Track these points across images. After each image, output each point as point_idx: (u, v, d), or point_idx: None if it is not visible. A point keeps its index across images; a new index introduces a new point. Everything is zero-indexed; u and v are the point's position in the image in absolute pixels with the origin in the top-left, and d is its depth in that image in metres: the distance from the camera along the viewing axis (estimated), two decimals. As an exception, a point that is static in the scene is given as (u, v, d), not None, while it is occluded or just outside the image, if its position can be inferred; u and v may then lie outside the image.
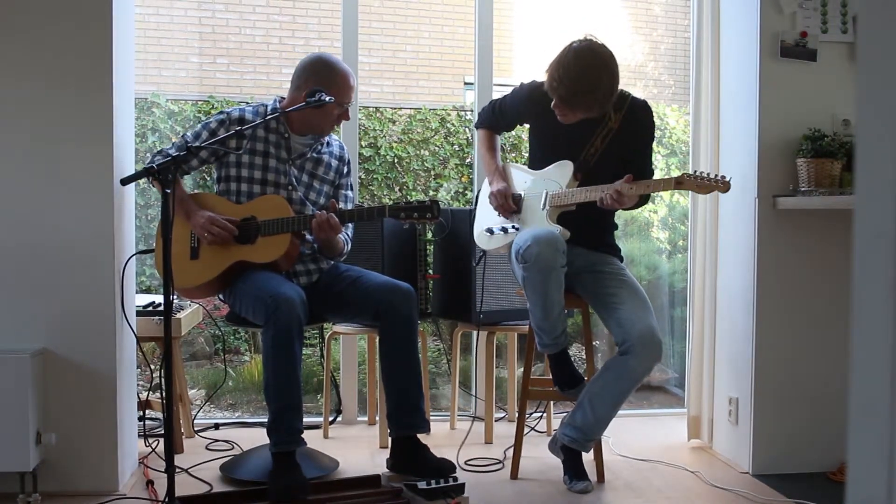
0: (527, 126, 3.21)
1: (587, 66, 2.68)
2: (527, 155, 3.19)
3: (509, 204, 2.96)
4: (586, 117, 2.80)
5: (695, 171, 2.71)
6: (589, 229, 2.94)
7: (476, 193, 3.30)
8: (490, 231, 3.02)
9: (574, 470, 2.89)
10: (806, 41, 3.07)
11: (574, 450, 2.90)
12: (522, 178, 3.03)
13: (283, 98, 3.01)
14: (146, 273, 4.58)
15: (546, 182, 2.93)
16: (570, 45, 2.75)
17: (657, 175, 3.58)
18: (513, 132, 4.79)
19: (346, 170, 3.13)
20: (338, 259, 3.06)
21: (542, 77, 2.85)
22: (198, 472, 3.00)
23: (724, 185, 2.64)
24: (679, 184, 2.68)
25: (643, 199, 2.88)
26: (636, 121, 2.91)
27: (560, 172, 2.90)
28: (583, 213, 2.87)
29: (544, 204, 2.89)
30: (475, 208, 3.19)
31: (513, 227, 2.96)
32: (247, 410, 4.51)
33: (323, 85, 2.86)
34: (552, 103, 2.80)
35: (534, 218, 2.91)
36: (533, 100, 2.96)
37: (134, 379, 3.08)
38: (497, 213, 3.01)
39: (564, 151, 2.91)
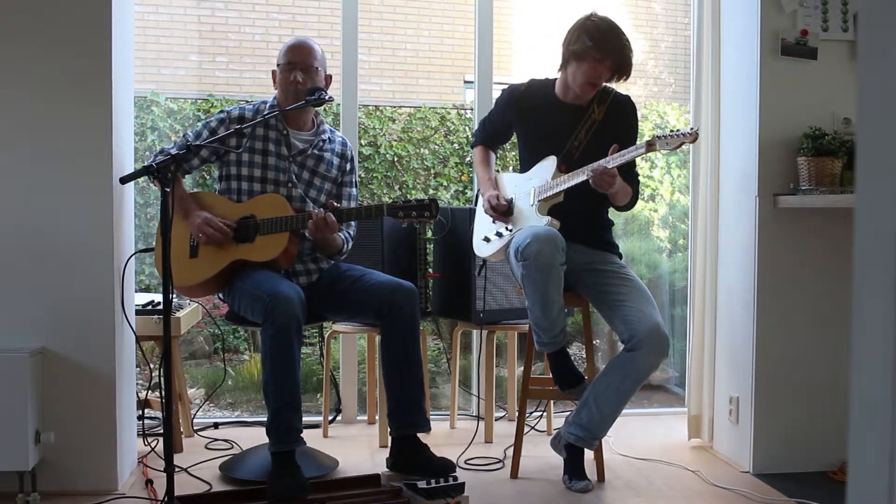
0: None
1: (609, 19, 2.86)
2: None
3: (501, 203, 2.97)
4: (615, 73, 2.85)
5: (665, 133, 2.72)
6: (585, 225, 2.95)
7: (474, 202, 3.32)
8: (486, 239, 3.04)
9: (574, 469, 2.89)
10: (806, 39, 3.06)
11: (577, 448, 2.89)
12: (513, 183, 3.07)
13: None
14: (145, 272, 4.58)
15: (533, 180, 2.97)
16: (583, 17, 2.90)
17: (664, 180, 3.55)
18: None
19: (348, 167, 3.12)
20: (337, 258, 3.06)
21: (546, 74, 2.95)
22: (197, 472, 3.00)
23: (692, 136, 2.66)
24: (651, 146, 2.69)
25: (633, 199, 2.96)
26: (620, 114, 2.97)
27: (545, 168, 2.95)
28: (576, 208, 2.89)
29: (532, 200, 2.90)
30: (473, 219, 3.20)
31: (507, 228, 2.97)
32: (246, 409, 4.51)
33: (278, 62, 2.96)
34: (580, 67, 2.84)
35: (525, 216, 2.93)
36: (514, 99, 3.07)
37: (133, 378, 3.08)
38: (492, 219, 3.02)
39: (550, 146, 2.95)
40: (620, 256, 3.04)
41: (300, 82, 2.90)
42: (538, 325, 2.81)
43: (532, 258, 2.69)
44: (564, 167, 2.90)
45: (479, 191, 3.19)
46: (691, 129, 2.71)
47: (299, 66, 2.91)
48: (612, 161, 2.73)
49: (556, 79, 3.03)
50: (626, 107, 2.99)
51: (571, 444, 2.88)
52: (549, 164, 2.93)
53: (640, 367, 2.73)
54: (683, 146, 2.73)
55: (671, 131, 2.71)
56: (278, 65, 2.97)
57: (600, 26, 2.83)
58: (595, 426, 2.82)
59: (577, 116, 2.96)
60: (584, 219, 2.95)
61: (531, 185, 2.95)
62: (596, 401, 2.79)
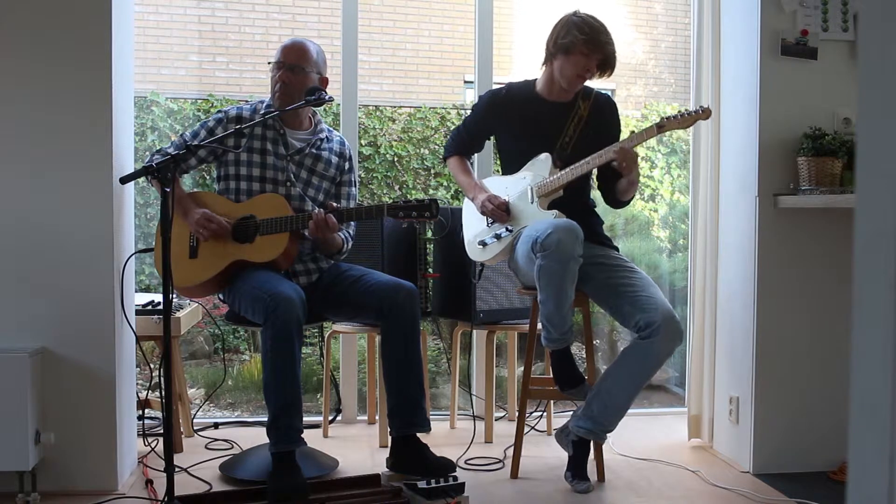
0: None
1: (594, 16, 2.94)
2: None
3: (502, 202, 2.97)
4: (601, 68, 2.91)
5: (674, 115, 2.79)
6: (584, 221, 2.95)
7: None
8: (483, 243, 3.03)
9: (578, 469, 2.88)
10: (807, 39, 3.06)
11: (583, 446, 2.88)
12: (503, 185, 3.06)
13: None
14: (145, 272, 4.58)
15: (527, 178, 2.98)
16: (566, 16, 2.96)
17: (664, 180, 3.56)
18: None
19: (347, 166, 3.12)
20: (337, 258, 3.06)
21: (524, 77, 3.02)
22: (197, 472, 3.00)
23: (704, 113, 2.74)
24: (661, 128, 2.77)
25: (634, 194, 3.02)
26: (604, 112, 3.04)
27: (540, 166, 2.96)
28: (574, 204, 2.91)
29: (532, 197, 2.91)
30: (461, 227, 3.20)
31: (506, 229, 2.96)
32: (246, 410, 4.51)
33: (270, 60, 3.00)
34: (569, 60, 2.89)
35: (526, 214, 2.92)
36: (495, 104, 3.10)
37: (133, 378, 3.08)
38: (490, 220, 3.03)
39: (539, 144, 2.97)
40: (618, 250, 3.06)
41: (285, 82, 2.91)
42: (550, 319, 2.78)
43: (554, 247, 2.67)
44: (560, 162, 2.92)
45: (461, 212, 3.19)
46: (701, 106, 2.76)
47: (286, 65, 2.92)
48: (629, 143, 2.79)
49: (535, 79, 3.05)
50: (609, 105, 3.08)
51: (581, 437, 2.87)
52: (544, 160, 2.93)
53: (657, 353, 2.72)
54: (697, 123, 2.81)
55: (680, 112, 2.77)
56: (269, 63, 2.99)
57: (588, 22, 2.90)
58: (606, 418, 2.81)
59: (564, 113, 3.00)
60: (583, 214, 2.96)
61: (526, 184, 2.95)
62: (609, 392, 2.78)
